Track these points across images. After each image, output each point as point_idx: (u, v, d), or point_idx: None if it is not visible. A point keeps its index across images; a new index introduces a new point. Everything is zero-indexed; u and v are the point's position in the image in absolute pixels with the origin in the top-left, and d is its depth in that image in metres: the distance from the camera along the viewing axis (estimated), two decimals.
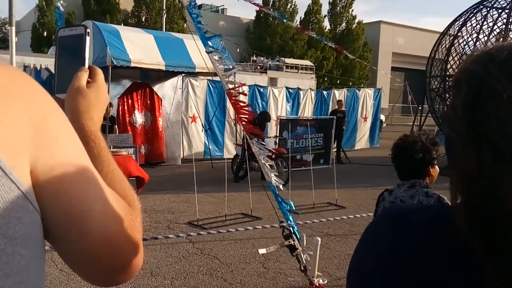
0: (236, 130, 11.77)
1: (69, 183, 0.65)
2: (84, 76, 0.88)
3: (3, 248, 0.56)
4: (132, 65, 10.39)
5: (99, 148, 0.82)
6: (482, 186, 0.59)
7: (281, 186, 4.15)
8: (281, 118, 11.58)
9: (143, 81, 12.10)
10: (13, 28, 7.02)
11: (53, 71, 11.34)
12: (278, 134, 10.99)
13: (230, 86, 4.02)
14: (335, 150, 12.88)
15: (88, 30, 0.92)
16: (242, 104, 4.08)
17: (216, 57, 3.99)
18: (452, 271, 0.62)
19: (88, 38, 0.91)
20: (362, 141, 16.75)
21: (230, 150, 12.30)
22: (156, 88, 12.18)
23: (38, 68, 11.10)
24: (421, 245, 0.66)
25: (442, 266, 0.63)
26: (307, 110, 15.25)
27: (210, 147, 12.21)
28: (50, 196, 0.63)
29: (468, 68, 0.65)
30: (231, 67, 4.08)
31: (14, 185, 0.58)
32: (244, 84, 11.68)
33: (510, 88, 0.58)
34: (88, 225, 0.66)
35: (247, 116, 4.10)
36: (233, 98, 3.92)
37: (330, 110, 15.27)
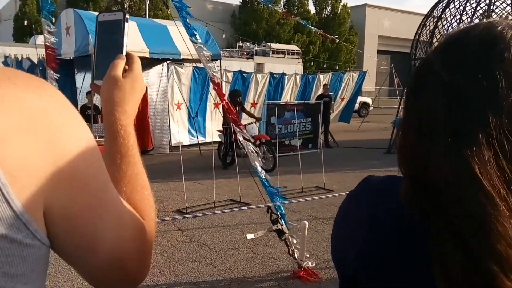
0: (222, 116, 11.74)
1: (85, 220, 0.63)
2: (120, 64, 0.84)
3: (3, 286, 0.56)
4: None
5: (127, 146, 0.79)
6: (411, 160, 0.63)
7: (262, 174, 4.14)
8: (269, 103, 11.55)
9: None
10: None
11: (34, 61, 11.08)
12: (264, 119, 10.93)
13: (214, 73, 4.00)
14: (322, 133, 12.94)
15: (127, 16, 0.88)
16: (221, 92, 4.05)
17: (199, 45, 3.96)
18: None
19: (126, 25, 0.88)
20: (334, 118, 16.79)
21: (211, 134, 12.08)
22: None
23: (20, 59, 10.95)
24: (398, 215, 0.66)
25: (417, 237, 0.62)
26: (290, 95, 15.22)
27: (195, 133, 12.19)
28: (62, 231, 0.62)
29: (426, 55, 0.69)
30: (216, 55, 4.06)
31: (24, 225, 0.57)
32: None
33: (447, 74, 0.61)
34: (98, 252, 0.66)
35: (226, 104, 4.09)
36: (216, 85, 3.90)
37: (313, 94, 15.27)
